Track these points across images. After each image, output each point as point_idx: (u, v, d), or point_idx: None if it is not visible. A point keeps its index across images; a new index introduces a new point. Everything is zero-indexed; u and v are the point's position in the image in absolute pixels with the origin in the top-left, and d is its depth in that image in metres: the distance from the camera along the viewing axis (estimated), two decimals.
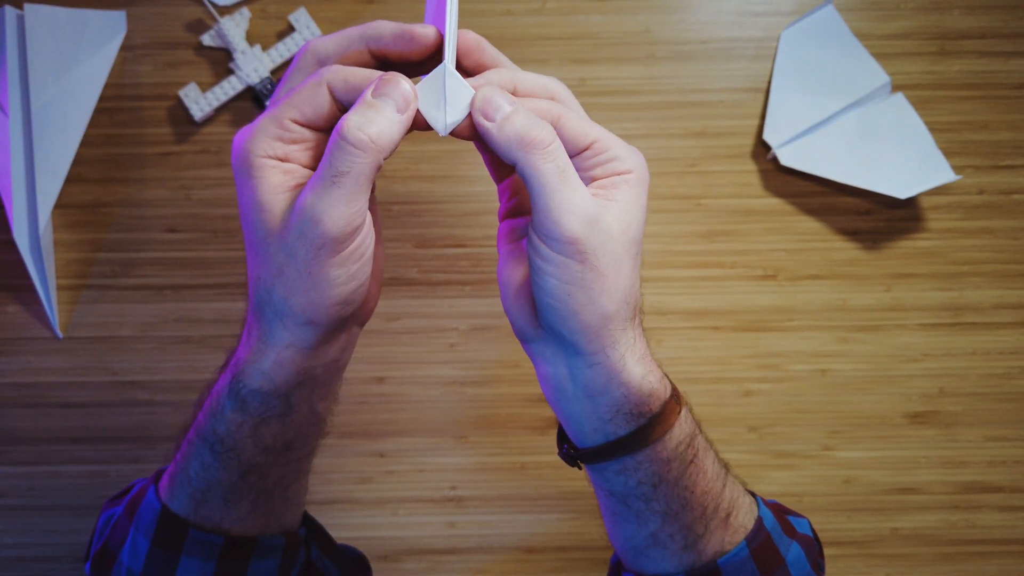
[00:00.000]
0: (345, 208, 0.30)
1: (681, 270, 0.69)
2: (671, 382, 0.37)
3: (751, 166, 0.69)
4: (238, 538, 0.38)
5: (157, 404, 0.68)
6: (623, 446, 0.35)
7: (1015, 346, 0.68)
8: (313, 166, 0.32)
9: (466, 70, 0.35)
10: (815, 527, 0.44)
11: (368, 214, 0.32)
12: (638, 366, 0.34)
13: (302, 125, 0.31)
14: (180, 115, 0.69)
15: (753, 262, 0.69)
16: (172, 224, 0.69)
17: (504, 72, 0.34)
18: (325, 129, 0.32)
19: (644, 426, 0.34)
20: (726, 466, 0.39)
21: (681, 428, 0.35)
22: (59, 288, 0.68)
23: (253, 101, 0.69)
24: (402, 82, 0.31)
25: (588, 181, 0.33)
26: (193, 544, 0.38)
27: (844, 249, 0.69)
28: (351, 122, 0.30)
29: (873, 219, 0.69)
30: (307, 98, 0.31)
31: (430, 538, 0.67)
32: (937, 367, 0.68)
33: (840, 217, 0.69)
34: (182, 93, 0.68)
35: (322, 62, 0.33)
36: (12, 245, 0.65)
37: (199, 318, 0.68)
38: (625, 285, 0.33)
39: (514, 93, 0.33)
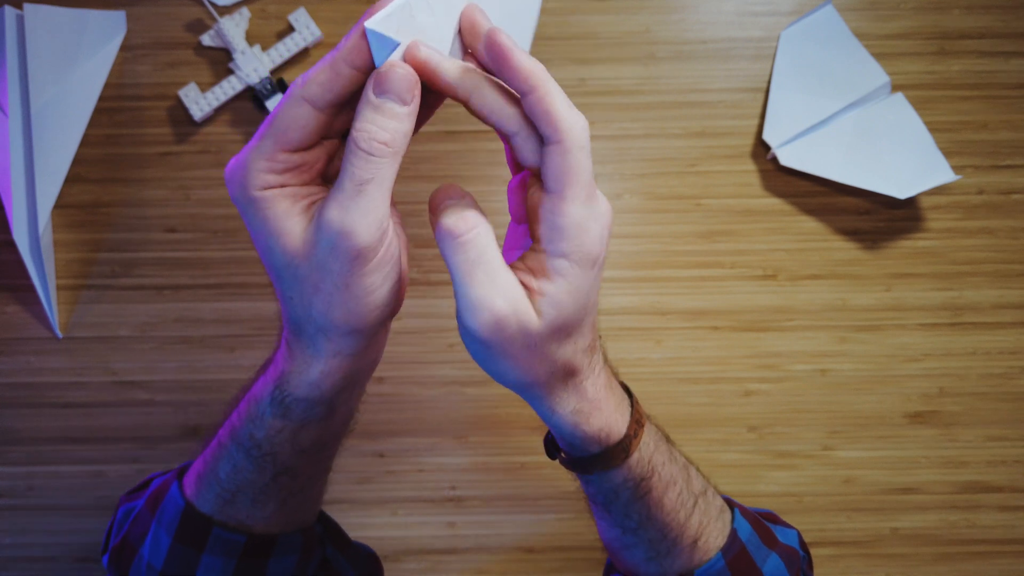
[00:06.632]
0: (373, 215, 0.29)
1: (681, 270, 0.69)
2: (637, 425, 0.37)
3: (751, 166, 0.69)
4: (260, 536, 0.40)
5: (156, 404, 0.68)
6: (570, 464, 0.37)
7: (1015, 346, 0.68)
8: (312, 182, 0.31)
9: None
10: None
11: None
12: (568, 419, 0.34)
13: (290, 151, 0.30)
14: (180, 115, 0.69)
15: (753, 262, 0.69)
16: (172, 224, 0.69)
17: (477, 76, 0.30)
18: (315, 146, 0.31)
19: (584, 458, 0.36)
20: (698, 495, 0.40)
21: (631, 470, 0.36)
22: (59, 288, 0.68)
23: (253, 101, 0.69)
24: (398, 70, 0.29)
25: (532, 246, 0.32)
26: (216, 542, 0.39)
27: (844, 249, 0.69)
28: (364, 132, 0.29)
29: (873, 219, 0.69)
30: (290, 123, 0.29)
31: (430, 538, 0.67)
32: (937, 367, 0.68)
33: (840, 217, 0.69)
34: (182, 93, 0.68)
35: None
36: (12, 245, 0.65)
37: (199, 318, 0.68)
38: (545, 367, 0.32)
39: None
